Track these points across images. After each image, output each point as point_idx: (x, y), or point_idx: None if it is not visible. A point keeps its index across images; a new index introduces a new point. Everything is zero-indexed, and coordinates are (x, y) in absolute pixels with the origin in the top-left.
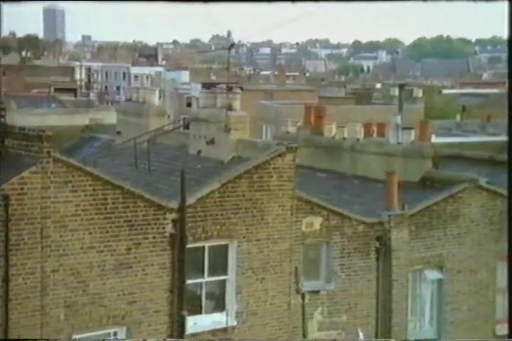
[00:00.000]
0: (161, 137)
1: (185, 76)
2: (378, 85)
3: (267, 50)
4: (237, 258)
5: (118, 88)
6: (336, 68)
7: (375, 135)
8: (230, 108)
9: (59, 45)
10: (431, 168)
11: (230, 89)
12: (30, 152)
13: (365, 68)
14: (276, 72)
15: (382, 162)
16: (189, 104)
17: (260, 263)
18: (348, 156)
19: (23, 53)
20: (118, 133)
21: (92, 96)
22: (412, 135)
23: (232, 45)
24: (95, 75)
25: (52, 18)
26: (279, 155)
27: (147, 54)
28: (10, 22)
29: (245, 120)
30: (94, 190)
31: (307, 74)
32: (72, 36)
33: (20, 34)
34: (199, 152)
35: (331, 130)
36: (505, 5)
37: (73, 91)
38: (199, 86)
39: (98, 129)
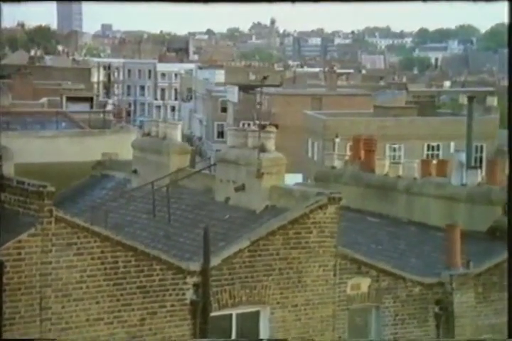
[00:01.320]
0: (185, 179)
1: (220, 75)
2: (447, 83)
3: (317, 41)
4: (271, 327)
5: (142, 88)
6: (397, 62)
7: (434, 174)
8: (262, 149)
9: (74, 38)
10: (501, 216)
11: (263, 127)
12: (29, 210)
13: (433, 61)
14: (326, 69)
15: (443, 207)
16: (224, 109)
17: (298, 332)
18: (403, 198)
19: (33, 49)
20: (134, 172)
21: (111, 105)
22: (479, 175)
23: (265, 78)
24: (116, 74)
25: (68, 5)
26: (320, 207)
27: (176, 47)
28: (18, 11)
29: (281, 163)
30: (102, 252)
31: (363, 72)
32: (90, 25)
33: (29, 23)
34: (227, 199)
35: (384, 166)
36: (506, 5)
37: (89, 100)
38: (236, 89)
39: (112, 166)
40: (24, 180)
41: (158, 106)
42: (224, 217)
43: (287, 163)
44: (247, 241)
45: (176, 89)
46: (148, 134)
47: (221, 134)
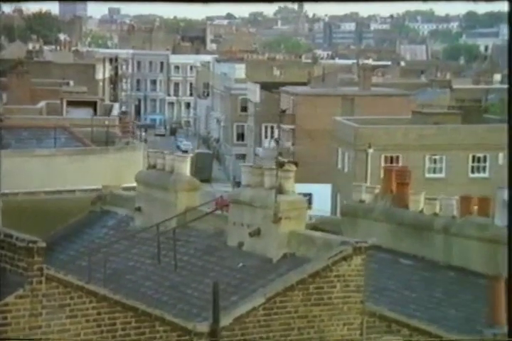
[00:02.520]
0: (192, 217)
1: (240, 70)
2: (498, 77)
3: (350, 26)
4: None
5: (154, 82)
6: (441, 50)
7: (475, 212)
8: (281, 190)
9: (78, 25)
10: None
11: (281, 165)
12: (17, 267)
13: (482, 49)
14: (360, 64)
15: (485, 250)
16: (244, 108)
17: None
18: (440, 239)
19: (31, 41)
20: (138, 209)
21: (118, 112)
22: None
23: (284, 111)
24: (124, 67)
25: None
26: (344, 259)
27: (192, 36)
28: None
29: (301, 206)
30: (98, 313)
31: (402, 64)
32: (95, 9)
33: (28, 8)
34: (240, 244)
35: (419, 202)
36: (506, 5)
37: (92, 105)
38: (257, 88)
39: (113, 200)
40: (12, 233)
41: (171, 103)
42: (237, 266)
43: (315, 172)
44: (262, 298)
45: (191, 84)
46: (154, 167)
47: (241, 136)
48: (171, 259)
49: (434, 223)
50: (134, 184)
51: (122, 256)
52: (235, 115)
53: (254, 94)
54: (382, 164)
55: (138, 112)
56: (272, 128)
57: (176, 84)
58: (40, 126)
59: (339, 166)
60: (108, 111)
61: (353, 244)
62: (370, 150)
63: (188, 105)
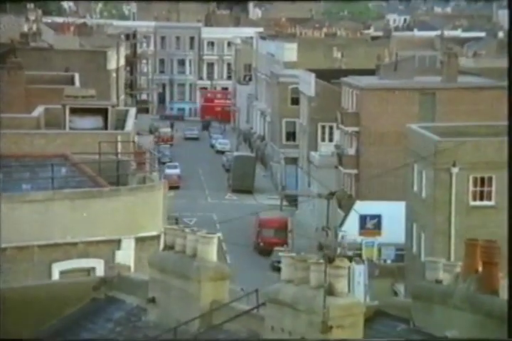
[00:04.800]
0: (222, 317)
1: (290, 51)
2: None
3: None
4: None
5: (182, 63)
6: None
7: None
8: (331, 291)
9: None
10: None
11: (331, 260)
12: None
13: None
14: (446, 33)
15: None
16: (295, 101)
17: None
18: None
19: (28, 8)
20: (152, 301)
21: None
22: None
23: (332, 194)
24: (144, 44)
25: None
26: None
27: (231, 1)
28: None
29: (357, 312)
30: None
31: (500, 35)
32: None
33: None
34: None
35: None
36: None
37: (103, 112)
38: (312, 77)
39: (121, 285)
40: None
41: (204, 88)
42: None
43: (385, 187)
44: None
45: (228, 65)
46: (172, 248)
47: (292, 136)
48: None
49: None
50: (152, 233)
51: None
52: (283, 108)
53: (308, 85)
54: (471, 188)
55: (162, 100)
56: (331, 128)
57: (210, 65)
58: (34, 156)
59: (415, 188)
60: (122, 120)
61: None
62: (455, 170)
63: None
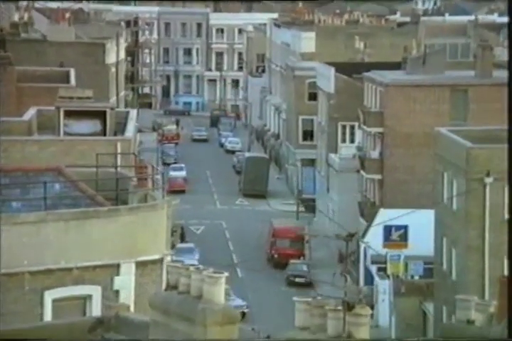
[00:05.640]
0: None
1: (308, 41)
2: None
3: None
4: None
5: (188, 52)
6: None
7: None
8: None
9: None
10: None
11: (350, 307)
12: None
13: None
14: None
15: None
16: (313, 96)
17: None
18: None
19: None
20: None
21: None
22: None
23: (352, 235)
24: (146, 32)
25: None
26: None
27: None
28: None
29: None
30: None
31: None
32: None
33: None
34: None
35: None
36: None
37: (101, 115)
38: (331, 72)
39: (119, 327)
40: None
41: (213, 81)
42: None
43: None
44: None
45: (240, 55)
46: (175, 288)
47: (309, 135)
48: None
49: None
50: (154, 256)
51: None
52: (300, 105)
53: (327, 80)
54: (506, 200)
55: (166, 94)
56: (352, 128)
57: (219, 55)
58: (25, 170)
59: (445, 199)
60: (122, 124)
61: None
62: (489, 180)
63: (235, 84)
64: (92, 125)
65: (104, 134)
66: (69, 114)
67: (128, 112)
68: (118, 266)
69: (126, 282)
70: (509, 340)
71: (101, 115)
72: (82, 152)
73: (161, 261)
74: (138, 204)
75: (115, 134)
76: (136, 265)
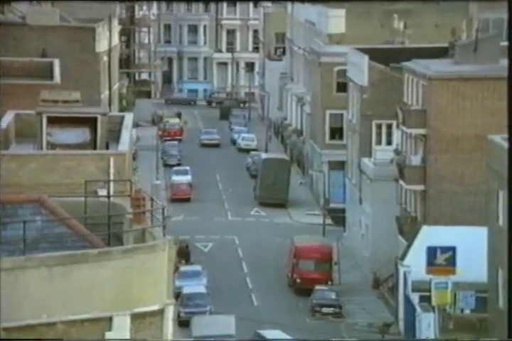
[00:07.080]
0: None
1: (337, 20)
2: None
3: None
4: None
5: (194, 29)
6: None
7: None
8: None
9: None
10: None
11: None
12: None
13: None
14: None
15: None
16: (342, 87)
17: None
18: None
19: None
20: None
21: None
22: None
23: (388, 325)
24: (144, 7)
25: None
26: None
27: None
28: None
29: None
30: None
31: None
32: None
33: None
34: None
35: None
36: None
37: (91, 122)
38: (365, 60)
39: None
40: None
41: (223, 64)
42: None
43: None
44: None
45: (255, 33)
46: None
47: (338, 132)
48: None
49: None
50: (154, 307)
51: None
52: (327, 97)
53: (360, 70)
54: None
55: (168, 80)
56: (389, 128)
57: (231, 33)
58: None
59: (500, 220)
60: (115, 132)
61: None
62: None
63: (250, 68)
64: (80, 134)
65: (95, 145)
66: (53, 120)
67: (123, 117)
68: (110, 319)
69: (119, 338)
70: (509, 340)
71: (91, 122)
72: (68, 168)
73: (161, 312)
74: (134, 246)
75: (107, 145)
76: (131, 318)
